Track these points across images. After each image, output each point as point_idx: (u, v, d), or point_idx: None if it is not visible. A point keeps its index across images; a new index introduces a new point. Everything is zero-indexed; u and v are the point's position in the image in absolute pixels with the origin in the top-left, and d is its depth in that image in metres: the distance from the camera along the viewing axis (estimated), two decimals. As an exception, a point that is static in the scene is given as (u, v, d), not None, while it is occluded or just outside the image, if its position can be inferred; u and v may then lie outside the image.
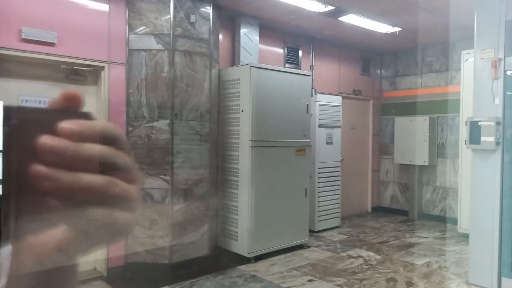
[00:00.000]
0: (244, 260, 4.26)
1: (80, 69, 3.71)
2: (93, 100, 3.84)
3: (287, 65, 5.78)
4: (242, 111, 4.33)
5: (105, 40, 3.81)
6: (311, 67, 6.15)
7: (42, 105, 0.32)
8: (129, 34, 3.91)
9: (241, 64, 4.91)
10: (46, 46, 3.44)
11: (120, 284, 3.62)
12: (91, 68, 3.77)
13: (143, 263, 3.86)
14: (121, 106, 3.88)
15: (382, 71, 7.30)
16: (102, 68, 3.79)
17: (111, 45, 3.84)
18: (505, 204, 3.58)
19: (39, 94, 3.52)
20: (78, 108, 0.33)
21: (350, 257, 4.54)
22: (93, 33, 3.73)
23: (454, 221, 5.71)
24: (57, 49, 3.50)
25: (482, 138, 3.61)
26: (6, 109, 0.29)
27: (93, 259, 3.83)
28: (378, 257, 4.55)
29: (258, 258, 4.33)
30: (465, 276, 3.86)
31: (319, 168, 5.59)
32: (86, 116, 0.34)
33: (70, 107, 0.33)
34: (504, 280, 3.55)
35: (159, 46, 3.90)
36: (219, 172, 4.59)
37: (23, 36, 3.30)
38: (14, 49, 3.28)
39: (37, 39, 3.37)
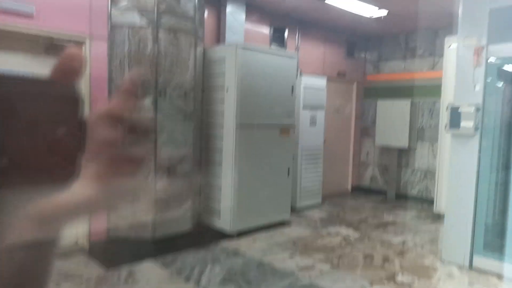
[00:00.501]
0: (227, 236, 4.33)
1: (59, 44, 3.63)
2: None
3: (272, 45, 5.77)
4: (227, 91, 4.33)
5: (86, 14, 3.72)
6: (297, 48, 6.15)
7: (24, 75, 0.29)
8: (111, 8, 3.83)
9: (227, 43, 4.88)
10: (25, 18, 3.34)
11: (102, 258, 3.65)
12: (71, 43, 3.69)
13: (125, 237, 3.89)
14: (103, 82, 3.83)
15: (367, 54, 7.36)
16: (83, 42, 3.72)
17: (92, 19, 3.76)
18: (481, 187, 3.72)
19: (19, 67, 3.44)
20: (81, 71, 0.32)
21: (330, 234, 4.67)
22: (73, 6, 3.64)
23: (431, 202, 5.91)
24: (36, 22, 3.41)
25: (462, 124, 3.72)
26: None
27: (75, 233, 3.83)
28: (356, 234, 4.69)
29: (240, 234, 4.41)
30: (439, 253, 4.02)
31: (302, 148, 5.67)
32: (70, 88, 0.32)
33: (74, 70, 0.32)
34: (476, 257, 3.72)
35: (143, 22, 3.84)
36: (203, 151, 4.61)
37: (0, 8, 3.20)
38: (-9, 20, 3.18)
39: (15, 11, 3.28)
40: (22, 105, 0.28)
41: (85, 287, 3.09)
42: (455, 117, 3.75)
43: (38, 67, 3.53)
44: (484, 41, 3.65)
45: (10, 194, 0.29)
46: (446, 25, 5.77)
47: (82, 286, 3.10)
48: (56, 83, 0.32)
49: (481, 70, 3.68)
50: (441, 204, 5.28)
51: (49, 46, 3.61)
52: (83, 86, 3.73)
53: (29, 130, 0.29)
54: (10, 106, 0.28)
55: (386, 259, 3.89)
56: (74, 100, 0.32)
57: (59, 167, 0.31)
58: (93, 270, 3.40)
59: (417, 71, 6.61)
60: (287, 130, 4.85)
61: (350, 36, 7.02)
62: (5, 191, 0.28)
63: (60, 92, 0.31)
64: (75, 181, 0.32)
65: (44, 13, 3.44)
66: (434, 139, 6.20)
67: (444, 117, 4.93)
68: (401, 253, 4.09)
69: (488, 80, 3.68)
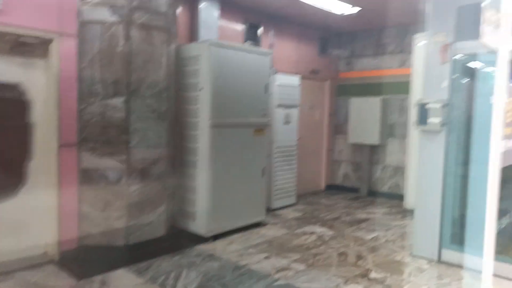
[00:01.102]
0: (202, 239, 4.29)
1: (26, 41, 3.43)
2: (41, 75, 3.58)
3: (246, 42, 5.71)
4: (201, 89, 4.26)
5: (54, 10, 3.53)
6: (271, 46, 6.12)
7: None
8: (81, 3, 3.66)
9: (200, 40, 4.78)
10: (-14, 13, 3.13)
11: (72, 267, 3.51)
12: (39, 40, 3.50)
13: (97, 245, 3.76)
14: (72, 82, 3.67)
15: (339, 52, 7.43)
16: (51, 40, 3.53)
17: (61, 15, 3.57)
18: (448, 182, 3.86)
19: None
20: None
21: (305, 233, 4.72)
22: (41, 2, 3.44)
23: (401, 198, 6.09)
24: (1, 18, 3.20)
25: (429, 120, 3.83)
26: None
27: (44, 243, 3.66)
28: (330, 232, 4.77)
29: (216, 237, 4.38)
30: (410, 248, 4.16)
31: (276, 147, 5.68)
32: (16, 88, 0.29)
33: None
34: (444, 250, 3.87)
35: (114, 18, 3.69)
36: (178, 152, 4.53)
37: (-43, 2, 2.98)
38: None
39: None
40: None
41: (56, 299, 2.97)
42: (423, 113, 3.85)
43: (3, 66, 3.31)
44: (451, 38, 3.75)
45: None
46: (416, 22, 5.90)
47: (53, 298, 2.98)
48: (2, 85, 0.29)
49: (447, 67, 3.79)
50: (411, 199, 5.45)
51: (15, 44, 3.40)
52: (52, 85, 3.55)
53: None
54: None
55: (359, 256, 3.98)
56: (21, 103, 0.30)
57: (5, 173, 0.29)
58: (64, 281, 3.27)
59: (388, 68, 6.74)
60: (261, 129, 4.84)
61: (323, 33, 7.07)
62: None
63: (6, 95, 0.29)
64: (21, 189, 0.30)
65: (9, 9, 3.24)
66: (404, 136, 6.38)
67: (412, 114, 5.07)
68: (374, 250, 4.19)
69: (454, 77, 3.80)
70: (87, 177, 3.74)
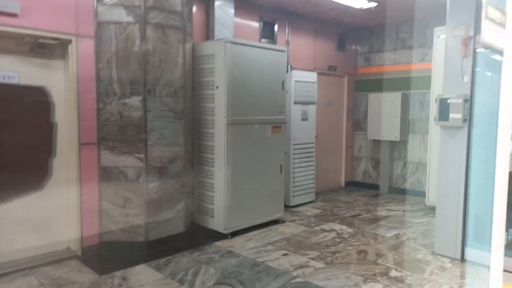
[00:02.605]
0: (220, 236, 4.31)
1: (45, 42, 3.52)
2: (61, 75, 3.67)
3: (262, 40, 5.69)
4: (217, 87, 4.27)
5: (72, 11, 3.61)
6: (287, 43, 6.09)
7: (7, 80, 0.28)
8: (97, 5, 3.72)
9: (216, 38, 4.80)
10: (9, 17, 3.22)
11: (94, 262, 3.60)
12: (58, 41, 3.58)
13: (118, 241, 3.83)
14: (91, 82, 3.74)
15: (358, 47, 7.33)
16: (70, 41, 3.61)
17: (78, 16, 3.65)
18: (471, 178, 3.74)
19: (4, 68, 3.32)
20: None
21: (324, 231, 4.67)
22: (59, 3, 3.52)
23: (423, 195, 5.96)
24: (20, 21, 3.29)
25: (450, 115, 3.72)
26: None
27: (67, 239, 3.77)
28: (350, 230, 4.71)
29: (234, 234, 4.39)
30: (431, 246, 4.06)
31: (294, 144, 5.64)
32: (41, 91, 0.31)
33: None
34: (467, 249, 3.76)
35: (130, 19, 3.74)
36: (195, 150, 4.56)
37: (-19, 6, 3.08)
38: (-29, 20, 3.06)
39: (-2, 9, 3.16)
40: None
41: (78, 294, 3.04)
42: (444, 108, 3.75)
43: (24, 67, 3.41)
44: (472, 31, 3.64)
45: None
46: (436, 15, 5.75)
47: (74, 293, 3.05)
48: (27, 87, 0.31)
49: (469, 61, 3.67)
50: (433, 196, 5.32)
51: (35, 46, 3.50)
52: (71, 86, 3.63)
53: (1, 133, 0.28)
54: None
55: (379, 255, 3.91)
56: (45, 104, 0.31)
57: (31, 169, 0.30)
58: (86, 276, 3.35)
59: (408, 63, 6.60)
60: (278, 126, 4.82)
61: (341, 29, 6.97)
62: None
63: (31, 95, 0.30)
64: (46, 183, 0.31)
65: (29, 11, 3.33)
66: (425, 131, 6.23)
67: (433, 109, 4.94)
68: (394, 248, 4.11)
69: (476, 71, 3.68)
70: (107, 174, 3.81)
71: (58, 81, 3.62)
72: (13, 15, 3.25)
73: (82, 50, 3.68)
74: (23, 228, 3.47)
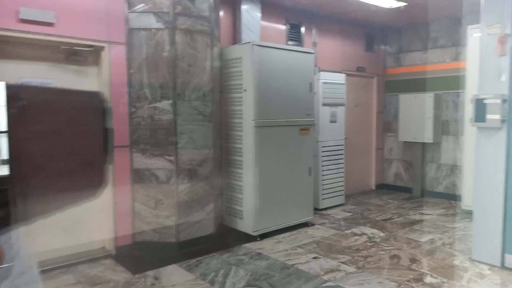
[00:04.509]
0: (250, 238, 4.31)
1: (80, 49, 3.66)
2: (94, 81, 3.81)
3: (289, 42, 5.68)
4: (245, 90, 4.29)
5: (104, 19, 3.74)
6: (314, 44, 6.05)
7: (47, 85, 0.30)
8: (128, 12, 3.84)
9: (243, 42, 4.83)
10: (45, 26, 3.38)
11: (128, 262, 3.68)
12: (91, 49, 3.71)
13: (150, 242, 3.91)
14: (123, 87, 3.85)
15: (386, 47, 7.18)
16: (102, 48, 3.74)
17: (110, 24, 3.77)
18: (510, 181, 3.56)
19: (40, 76, 3.48)
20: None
21: (354, 234, 4.58)
22: (92, 12, 3.65)
23: (458, 198, 5.73)
24: (56, 30, 3.44)
25: (487, 116, 3.57)
26: (10, 89, 0.27)
27: (102, 238, 3.88)
28: (382, 234, 4.59)
29: (263, 236, 4.38)
30: (469, 252, 3.89)
31: (323, 146, 5.58)
32: (96, 96, 0.33)
33: None
34: (508, 256, 3.57)
35: (159, 25, 3.83)
36: (223, 152, 4.59)
37: (21, 17, 3.24)
38: (12, 30, 3.23)
39: (35, 19, 3.31)
40: (49, 114, 0.30)
41: (112, 293, 3.12)
42: (480, 109, 3.61)
43: (59, 74, 3.56)
44: (508, 29, 3.49)
45: (39, 202, 0.30)
46: (469, 13, 5.55)
47: (109, 292, 3.13)
48: (83, 93, 0.32)
49: (506, 59, 3.52)
50: (469, 200, 5.11)
51: (70, 53, 3.64)
52: (104, 91, 3.75)
53: (57, 139, 0.29)
54: (36, 115, 0.29)
55: (413, 260, 3.79)
56: (100, 109, 0.33)
57: (87, 175, 0.31)
58: (120, 275, 3.43)
59: (440, 62, 6.41)
60: (306, 128, 4.78)
61: (369, 29, 6.86)
62: (33, 199, 0.30)
63: (87, 101, 0.32)
64: (103, 190, 0.32)
65: (64, 20, 3.47)
66: (459, 133, 6.01)
67: (468, 110, 4.76)
68: (429, 253, 3.97)
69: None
70: (139, 176, 3.90)
71: (92, 87, 3.76)
72: (50, 24, 3.40)
73: (114, 56, 3.80)
74: (61, 228, 3.60)
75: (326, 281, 3.31)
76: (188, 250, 3.91)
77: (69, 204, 0.31)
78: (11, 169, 0.27)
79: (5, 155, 0.27)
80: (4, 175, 0.27)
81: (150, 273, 3.45)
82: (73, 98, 0.31)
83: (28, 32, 3.30)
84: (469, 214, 4.63)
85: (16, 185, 0.27)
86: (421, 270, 3.54)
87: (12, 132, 0.27)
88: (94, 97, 0.32)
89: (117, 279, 3.33)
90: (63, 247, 3.64)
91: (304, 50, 4.85)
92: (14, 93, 0.27)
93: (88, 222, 3.81)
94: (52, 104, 0.30)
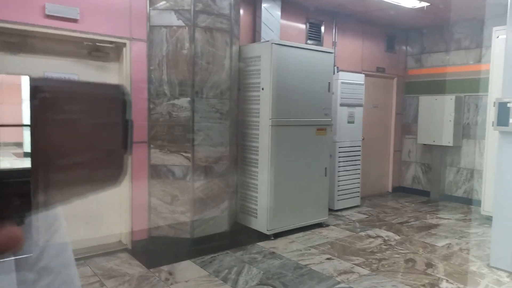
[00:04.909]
0: (263, 237, 4.32)
1: (102, 45, 3.73)
2: (115, 77, 3.87)
3: (309, 41, 5.65)
4: (263, 89, 4.29)
5: (126, 15, 3.80)
6: (334, 44, 6.00)
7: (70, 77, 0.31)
8: (150, 9, 3.89)
9: (262, 40, 4.83)
10: (69, 22, 3.45)
11: (144, 256, 3.74)
12: (113, 45, 3.78)
13: (165, 237, 3.97)
14: (143, 83, 3.90)
15: (408, 48, 7.06)
16: (124, 44, 3.80)
17: (132, 21, 3.83)
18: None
19: (64, 70, 3.56)
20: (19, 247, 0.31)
21: (369, 236, 4.54)
22: (114, 8, 3.72)
23: (478, 203, 5.60)
24: (80, 25, 3.51)
25: (511, 120, 3.48)
26: (33, 82, 0.28)
27: (118, 232, 3.96)
28: (397, 237, 4.53)
29: (277, 235, 4.38)
30: (487, 259, 3.80)
31: (339, 147, 5.54)
32: (118, 89, 0.34)
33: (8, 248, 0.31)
34: (528, 264, 3.49)
35: (180, 22, 3.86)
36: (239, 150, 4.61)
37: (46, 12, 3.32)
38: (38, 26, 3.31)
39: (60, 15, 3.39)
40: (70, 106, 0.29)
41: (128, 286, 3.18)
42: (504, 113, 3.52)
43: (82, 69, 3.64)
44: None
45: (59, 193, 0.30)
46: (495, 14, 5.41)
47: (125, 285, 3.19)
48: (104, 85, 0.33)
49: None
50: (489, 205, 4.99)
51: (92, 49, 3.72)
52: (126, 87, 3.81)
53: (78, 130, 0.30)
54: (57, 107, 0.28)
55: (429, 264, 3.73)
56: (121, 101, 0.33)
57: (108, 166, 0.32)
58: (136, 268, 3.49)
59: (463, 64, 6.26)
60: (324, 128, 4.75)
61: (390, 29, 6.76)
62: (53, 190, 0.29)
63: (108, 93, 0.33)
64: (123, 179, 0.33)
65: (87, 17, 3.54)
66: (481, 136, 5.87)
67: (491, 113, 4.64)
68: (445, 258, 3.90)
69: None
70: (156, 172, 3.96)
71: (113, 83, 3.82)
72: (74, 20, 3.47)
73: (135, 53, 3.86)
74: (79, 221, 3.68)
75: (339, 283, 3.29)
76: (202, 246, 3.94)
77: (90, 192, 0.33)
78: (32, 161, 0.28)
79: (28, 148, 0.29)
80: (26, 167, 0.29)
81: (165, 268, 3.50)
82: (96, 90, 0.32)
83: (53, 28, 3.38)
84: (488, 219, 4.53)
85: (38, 177, 0.28)
86: (436, 275, 3.48)
87: (34, 125, 0.28)
88: (116, 89, 0.33)
89: (132, 273, 3.39)
90: (81, 239, 3.72)
91: (323, 50, 4.82)
92: (37, 86, 0.29)
93: (106, 216, 3.88)
94: (75, 96, 0.31)
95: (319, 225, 4.81)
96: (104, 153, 0.32)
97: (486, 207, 5.20)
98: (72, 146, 0.30)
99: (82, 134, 0.31)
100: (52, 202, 0.30)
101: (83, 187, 0.31)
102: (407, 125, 7.06)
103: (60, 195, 0.30)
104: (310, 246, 4.15)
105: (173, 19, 3.86)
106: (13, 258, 0.53)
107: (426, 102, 6.51)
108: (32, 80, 0.28)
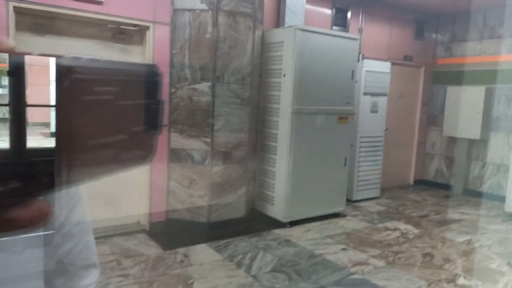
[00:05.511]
0: (279, 224, 4.34)
1: (126, 28, 3.75)
2: (138, 60, 3.91)
3: (334, 27, 5.52)
4: (284, 75, 4.24)
5: (150, -1, 3.80)
6: (360, 30, 5.84)
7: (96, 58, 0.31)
8: (174, -7, 3.87)
9: (286, 25, 4.74)
10: (95, 4, 3.48)
11: (160, 238, 3.83)
12: (137, 28, 3.80)
13: (182, 220, 4.04)
14: (165, 67, 3.92)
15: (438, 35, 6.79)
16: (147, 28, 3.81)
17: (156, 4, 3.82)
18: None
19: (87, 52, 3.62)
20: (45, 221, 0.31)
21: (387, 229, 4.49)
22: (138, -9, 3.72)
23: (502, 199, 5.43)
24: (104, 8, 3.54)
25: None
26: (59, 62, 0.28)
27: (137, 213, 4.06)
28: (416, 231, 4.46)
29: (293, 223, 4.39)
30: (508, 257, 3.71)
31: (361, 136, 5.45)
32: (151, 68, 0.33)
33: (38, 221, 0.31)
34: (552, 265, 3.37)
35: (203, 6, 3.83)
36: (258, 137, 4.60)
37: (72, -5, 3.36)
38: (64, 7, 3.36)
39: (86, -3, 3.42)
40: (100, 86, 0.29)
41: (144, 266, 3.27)
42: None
43: (106, 52, 3.69)
44: None
45: (87, 171, 0.30)
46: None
47: (141, 265, 3.28)
48: (137, 64, 0.33)
49: None
50: (515, 202, 4.84)
51: (116, 32, 3.75)
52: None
53: (108, 111, 0.30)
54: (86, 87, 0.29)
55: (447, 259, 3.67)
56: (153, 82, 0.33)
57: (138, 146, 0.33)
58: (152, 249, 3.59)
59: (496, 54, 5.99)
60: (345, 117, 4.67)
61: (420, 15, 6.51)
62: (80, 169, 0.29)
63: (140, 73, 0.33)
64: (152, 157, 0.34)
65: (111, 0, 3.56)
66: (510, 130, 5.65)
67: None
68: (465, 254, 3.82)
69: None
70: (175, 156, 4.01)
71: (146, 62, 3.86)
72: (99, 3, 3.50)
73: (158, 36, 3.87)
74: (100, 200, 3.79)
75: (353, 273, 3.28)
76: (218, 231, 4.00)
77: (119, 169, 0.33)
78: (57, 141, 0.28)
79: (53, 128, 0.30)
80: (51, 147, 0.30)
81: (181, 250, 3.58)
82: (128, 70, 0.32)
83: (78, 10, 3.42)
84: (513, 217, 4.39)
85: (62, 156, 0.29)
86: (454, 270, 3.42)
87: (61, 105, 0.29)
88: (149, 69, 0.33)
89: (149, 254, 3.48)
90: (101, 219, 3.83)
91: (348, 36, 4.70)
92: (64, 66, 0.28)
93: (126, 197, 3.98)
94: (106, 76, 0.31)
95: (336, 215, 4.79)
96: (134, 133, 0.33)
97: (511, 203, 5.03)
98: (101, 126, 0.30)
99: (112, 114, 0.31)
100: (77, 180, 0.30)
101: (111, 165, 0.32)
102: (432, 116, 6.85)
103: (87, 174, 0.30)
104: (326, 236, 4.14)
105: (196, 3, 3.83)
106: (41, 233, 0.59)
107: (454, 92, 6.29)
108: (58, 60, 0.28)
